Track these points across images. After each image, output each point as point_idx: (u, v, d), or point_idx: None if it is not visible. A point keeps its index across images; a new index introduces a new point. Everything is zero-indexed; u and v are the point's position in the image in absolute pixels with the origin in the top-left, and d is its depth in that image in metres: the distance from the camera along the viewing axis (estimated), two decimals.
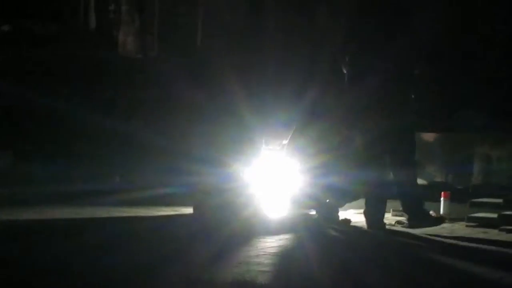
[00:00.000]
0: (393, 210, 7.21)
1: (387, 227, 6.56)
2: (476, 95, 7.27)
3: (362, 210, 7.83)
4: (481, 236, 6.03)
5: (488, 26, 8.06)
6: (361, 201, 7.64)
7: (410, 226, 6.58)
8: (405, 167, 6.59)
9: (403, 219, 6.78)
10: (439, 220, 6.65)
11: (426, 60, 6.80)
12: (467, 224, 6.73)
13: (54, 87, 9.59)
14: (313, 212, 7.00)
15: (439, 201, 6.95)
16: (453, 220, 6.87)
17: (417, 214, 6.63)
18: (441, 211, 6.90)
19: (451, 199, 6.97)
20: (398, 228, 6.61)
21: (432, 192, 6.94)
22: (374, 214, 6.57)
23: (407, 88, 6.74)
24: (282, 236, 5.68)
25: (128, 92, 9.81)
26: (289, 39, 9.30)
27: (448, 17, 7.09)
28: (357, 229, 6.53)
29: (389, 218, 6.87)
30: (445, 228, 6.51)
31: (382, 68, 6.46)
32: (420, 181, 7.00)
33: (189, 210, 7.38)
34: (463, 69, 6.64)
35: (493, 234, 6.16)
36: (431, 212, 6.78)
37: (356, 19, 6.94)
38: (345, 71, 6.72)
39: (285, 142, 6.99)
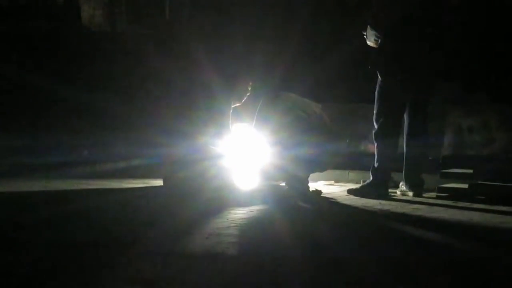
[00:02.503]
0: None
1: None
2: (447, 67, 7.29)
3: (331, 182, 7.96)
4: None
5: None
6: (331, 172, 7.73)
7: (416, 195, 6.73)
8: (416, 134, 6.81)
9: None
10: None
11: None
12: (438, 194, 6.79)
13: (22, 60, 9.53)
14: (283, 184, 7.02)
15: None
16: (424, 190, 6.94)
17: (418, 183, 6.80)
18: None
19: None
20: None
21: (400, 163, 6.98)
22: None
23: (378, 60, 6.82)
24: (252, 208, 5.68)
25: (96, 65, 9.76)
26: (260, 8, 9.28)
27: None
28: (327, 200, 6.56)
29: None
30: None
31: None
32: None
33: (158, 182, 7.38)
34: (435, 41, 6.67)
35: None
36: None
37: None
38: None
39: (254, 114, 6.98)
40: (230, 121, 7.15)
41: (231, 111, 7.16)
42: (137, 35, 10.05)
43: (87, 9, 10.76)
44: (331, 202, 6.42)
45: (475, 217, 5.45)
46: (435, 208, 6.00)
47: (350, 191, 6.94)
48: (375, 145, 6.88)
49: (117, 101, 9.07)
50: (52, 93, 9.18)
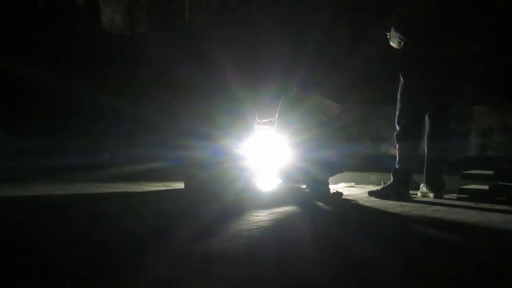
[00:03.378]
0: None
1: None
2: (470, 69, 7.29)
3: (352, 184, 7.96)
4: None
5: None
6: (351, 174, 7.74)
7: (437, 196, 6.74)
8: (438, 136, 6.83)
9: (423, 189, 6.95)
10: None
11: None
12: (459, 195, 6.78)
13: (45, 63, 9.59)
14: (304, 186, 7.03)
15: None
16: (445, 192, 6.93)
17: (439, 184, 6.81)
18: None
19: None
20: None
21: (422, 165, 6.97)
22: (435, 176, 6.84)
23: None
24: (273, 210, 5.70)
25: (118, 68, 9.82)
26: (280, 12, 9.29)
27: None
28: (348, 202, 6.57)
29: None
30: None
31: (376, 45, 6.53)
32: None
33: (180, 185, 7.40)
34: (461, 44, 6.69)
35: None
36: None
37: None
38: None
39: (276, 117, 7.00)
40: (252, 124, 7.17)
41: (254, 114, 7.17)
42: (158, 39, 10.08)
43: (107, 13, 10.80)
44: (352, 204, 6.43)
45: (496, 218, 5.45)
46: (456, 209, 5.99)
47: (371, 193, 6.94)
48: (397, 146, 6.88)
49: (139, 104, 9.12)
50: (74, 96, 9.24)
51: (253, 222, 4.93)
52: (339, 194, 6.88)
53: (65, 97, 9.35)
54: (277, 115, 6.94)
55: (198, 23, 10.21)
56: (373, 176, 8.25)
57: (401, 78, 6.79)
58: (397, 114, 6.86)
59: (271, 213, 5.51)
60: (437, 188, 6.85)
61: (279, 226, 5.06)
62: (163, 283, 3.12)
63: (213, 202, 6.21)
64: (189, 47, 9.52)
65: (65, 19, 10.34)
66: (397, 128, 6.84)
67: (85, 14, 10.65)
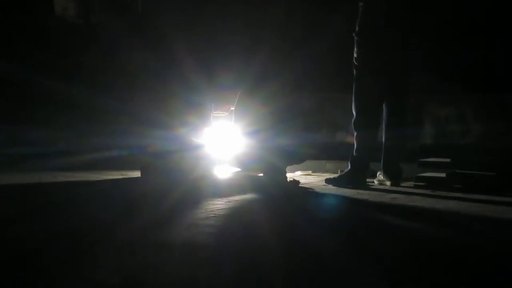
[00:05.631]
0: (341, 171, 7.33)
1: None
2: (423, 59, 7.35)
3: (309, 172, 7.98)
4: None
5: None
6: (308, 163, 7.75)
7: (394, 184, 6.77)
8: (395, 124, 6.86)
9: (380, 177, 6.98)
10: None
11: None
12: (416, 183, 6.83)
13: None
14: (261, 175, 7.03)
15: None
16: (402, 180, 6.98)
17: (396, 172, 6.84)
18: None
19: None
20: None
21: (379, 153, 7.01)
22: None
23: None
24: (230, 198, 5.69)
25: (72, 56, 9.73)
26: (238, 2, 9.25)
27: None
28: (305, 190, 6.58)
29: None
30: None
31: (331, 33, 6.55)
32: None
33: (136, 174, 7.37)
34: (412, 34, 6.75)
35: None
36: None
37: None
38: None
39: (233, 105, 6.99)
40: (210, 113, 7.15)
41: (212, 103, 7.16)
42: (112, 26, 10.00)
43: (60, 1, 10.69)
44: (309, 192, 6.44)
45: (452, 205, 5.49)
46: (413, 197, 6.03)
47: (328, 181, 6.96)
48: (354, 134, 6.91)
49: (95, 93, 9.04)
50: (29, 85, 9.13)
51: (211, 211, 4.91)
52: (296, 182, 6.89)
53: (20, 86, 9.24)
54: (235, 104, 6.93)
55: (152, 10, 10.14)
56: (329, 164, 8.29)
57: (356, 66, 6.82)
58: (353, 102, 6.89)
59: (229, 202, 5.49)
60: (394, 176, 6.90)
61: (237, 214, 5.05)
62: (124, 270, 3.09)
63: (170, 190, 6.19)
64: (144, 35, 9.46)
65: (14, 6, 10.21)
66: (354, 116, 6.87)
67: (37, 2, 10.53)
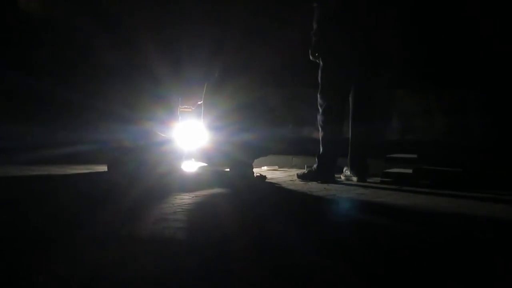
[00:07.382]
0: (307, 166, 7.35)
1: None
2: (389, 53, 7.38)
3: (275, 167, 7.99)
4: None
5: None
6: (274, 158, 7.76)
7: (361, 180, 6.79)
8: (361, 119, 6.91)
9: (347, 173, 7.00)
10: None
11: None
12: (382, 179, 6.86)
13: None
14: (228, 169, 7.03)
15: None
16: (368, 176, 7.02)
17: (363, 168, 6.87)
18: None
19: None
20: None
21: (346, 149, 7.03)
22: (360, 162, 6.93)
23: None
24: (197, 193, 5.69)
25: (37, 50, 9.65)
26: None
27: None
28: (272, 185, 6.59)
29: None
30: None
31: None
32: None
33: (103, 168, 7.33)
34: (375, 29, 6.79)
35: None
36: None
37: None
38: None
39: (200, 99, 6.99)
40: (176, 107, 7.13)
41: (178, 97, 7.14)
42: (76, 20, 9.93)
43: None
44: (275, 187, 6.45)
45: (420, 201, 5.52)
46: (380, 192, 6.06)
47: (298, 176, 6.99)
48: (320, 130, 6.93)
49: (60, 87, 8.97)
50: None
51: (178, 205, 4.91)
52: (262, 177, 6.90)
53: None
54: (202, 97, 6.92)
55: (118, 5, 10.09)
56: (296, 160, 8.31)
57: (320, 62, 6.85)
58: (319, 97, 6.91)
59: (196, 196, 5.49)
60: (360, 171, 6.93)
61: (204, 209, 5.05)
62: (92, 265, 3.07)
63: (137, 185, 6.17)
64: (109, 29, 9.40)
65: None
66: (320, 111, 6.89)
67: None
